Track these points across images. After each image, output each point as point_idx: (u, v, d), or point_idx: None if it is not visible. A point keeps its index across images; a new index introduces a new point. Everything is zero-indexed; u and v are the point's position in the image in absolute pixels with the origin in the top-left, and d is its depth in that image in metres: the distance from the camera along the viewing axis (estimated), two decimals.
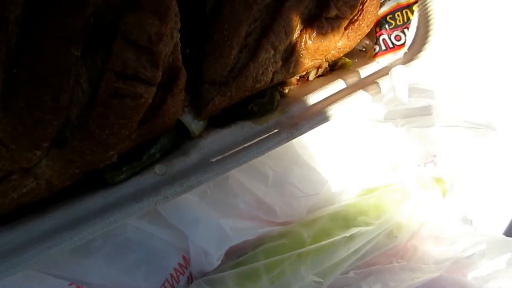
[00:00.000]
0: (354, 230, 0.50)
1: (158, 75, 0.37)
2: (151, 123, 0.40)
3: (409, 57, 0.53)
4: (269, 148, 0.45)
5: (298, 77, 0.53)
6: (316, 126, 0.47)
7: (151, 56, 0.36)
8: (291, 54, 0.47)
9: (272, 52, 0.44)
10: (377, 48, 0.54)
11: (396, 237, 0.53)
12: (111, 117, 0.36)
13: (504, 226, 0.61)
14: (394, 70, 0.46)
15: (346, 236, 0.49)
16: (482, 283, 0.51)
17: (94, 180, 0.41)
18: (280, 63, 0.46)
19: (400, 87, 0.44)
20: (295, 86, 0.53)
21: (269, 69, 0.45)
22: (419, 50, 0.53)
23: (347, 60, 0.54)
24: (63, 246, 0.37)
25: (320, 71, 0.53)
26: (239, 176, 0.49)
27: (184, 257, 0.48)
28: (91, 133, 0.36)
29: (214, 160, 0.44)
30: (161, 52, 0.37)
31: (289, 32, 0.44)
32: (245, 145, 0.45)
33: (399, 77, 0.44)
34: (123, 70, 0.35)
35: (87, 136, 0.36)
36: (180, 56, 0.40)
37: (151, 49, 0.36)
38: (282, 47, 0.45)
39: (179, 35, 0.39)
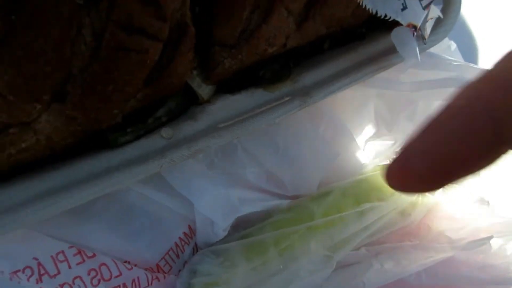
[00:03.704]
0: (366, 205, 0.48)
1: (165, 29, 0.36)
2: (157, 82, 0.38)
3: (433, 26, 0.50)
4: (280, 116, 0.43)
5: (312, 46, 0.51)
6: (330, 95, 0.45)
7: (157, 9, 0.34)
8: (305, 18, 0.44)
9: (286, 15, 0.42)
10: None
11: (410, 215, 0.51)
12: (115, 72, 0.35)
13: None
14: (395, 31, 0.44)
15: (358, 211, 0.47)
16: (498, 265, 0.49)
17: (98, 141, 0.40)
18: (294, 28, 0.44)
19: (404, 47, 0.42)
20: (309, 55, 0.51)
21: (282, 33, 0.43)
22: (438, 22, 0.50)
23: (364, 30, 0.51)
24: (62, 205, 0.36)
25: (335, 40, 0.51)
26: (248, 146, 0.48)
27: (189, 227, 0.47)
28: (93, 88, 0.35)
29: (223, 125, 0.43)
30: (169, 5, 0.35)
31: None
32: (255, 112, 0.44)
33: (402, 37, 0.42)
34: (128, 22, 0.34)
35: (90, 91, 0.35)
36: (189, 12, 0.38)
37: (157, 1, 0.34)
38: (296, 10, 0.43)
39: None
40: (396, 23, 0.52)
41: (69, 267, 0.38)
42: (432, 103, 0.49)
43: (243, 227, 0.48)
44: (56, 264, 0.38)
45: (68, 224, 0.41)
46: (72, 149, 0.38)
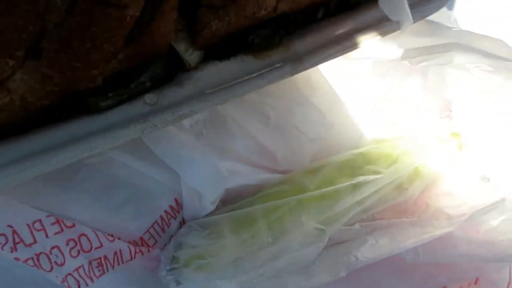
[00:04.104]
0: (360, 178, 0.46)
1: None
2: (139, 42, 0.36)
3: None
4: (270, 81, 0.41)
5: (304, 14, 0.49)
6: (323, 62, 0.43)
7: None
8: None
9: None
10: None
11: (407, 189, 0.49)
12: (93, 28, 0.33)
13: None
14: None
15: (352, 183, 0.45)
16: (499, 242, 0.47)
17: (77, 106, 0.38)
18: None
19: (394, 10, 0.40)
20: (300, 25, 0.49)
21: None
22: None
23: None
24: (40, 169, 0.34)
25: (329, 8, 0.49)
26: (237, 117, 0.46)
27: (176, 200, 0.45)
28: (70, 45, 0.33)
29: (210, 91, 0.41)
30: None
31: None
32: (244, 78, 0.42)
33: (391, 4, 0.40)
34: None
35: (66, 47, 0.33)
36: None
37: None
38: None
39: None
40: None
41: (46, 236, 0.37)
42: (430, 70, 0.47)
43: (232, 202, 0.46)
44: (32, 233, 0.36)
45: (48, 193, 0.39)
46: (50, 112, 0.36)
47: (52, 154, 0.34)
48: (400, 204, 0.50)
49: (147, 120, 0.37)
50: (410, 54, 0.45)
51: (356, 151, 0.50)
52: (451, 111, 0.56)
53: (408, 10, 0.40)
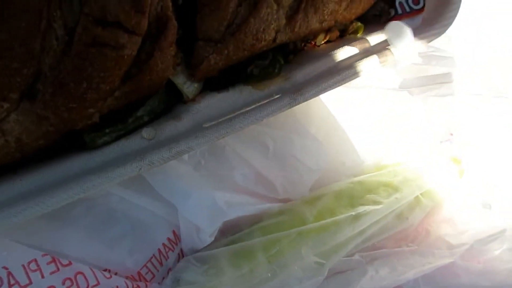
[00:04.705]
0: (360, 209, 0.45)
1: (143, 23, 0.33)
2: (137, 79, 0.36)
3: (428, 23, 0.48)
4: (269, 114, 0.41)
5: (304, 42, 0.48)
6: (322, 93, 0.43)
7: (135, 1, 0.32)
8: (296, 11, 0.42)
9: (275, 7, 0.40)
10: (393, 12, 0.49)
11: (407, 218, 0.48)
12: (89, 69, 0.32)
13: None
14: (389, 25, 0.42)
15: (351, 214, 0.45)
16: (500, 271, 0.47)
17: (74, 142, 0.37)
18: (284, 21, 0.42)
19: (399, 42, 0.39)
20: (300, 52, 0.48)
21: (272, 26, 0.41)
22: (439, 15, 0.48)
23: (359, 24, 0.49)
24: (34, 211, 0.33)
25: (329, 36, 0.49)
26: (236, 146, 0.45)
27: (174, 232, 0.44)
28: (66, 86, 0.32)
29: (208, 125, 0.40)
30: None
31: None
32: (243, 110, 0.41)
33: (396, 33, 0.40)
34: (102, 15, 0.31)
35: (62, 89, 0.32)
36: (170, 4, 0.35)
37: None
38: (286, 3, 0.41)
39: None
40: (392, 17, 0.49)
41: (42, 276, 0.36)
42: (428, 100, 0.47)
43: (231, 232, 0.46)
44: (27, 274, 0.36)
45: (43, 231, 0.38)
46: (46, 150, 0.36)
47: (48, 195, 0.34)
48: (400, 231, 0.49)
49: (144, 158, 0.37)
50: (410, 84, 0.45)
51: (355, 179, 0.49)
52: (452, 134, 0.55)
53: (414, 44, 0.40)
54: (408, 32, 0.39)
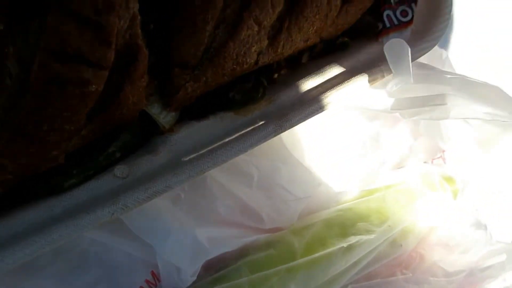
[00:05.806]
0: (353, 240, 0.43)
1: (109, 55, 0.29)
2: (105, 116, 0.32)
3: (417, 36, 0.45)
4: (254, 144, 0.38)
5: (288, 60, 0.45)
6: (309, 118, 0.40)
7: (99, 31, 0.28)
8: (279, 31, 0.39)
9: (256, 28, 0.37)
10: (381, 26, 0.46)
11: (401, 245, 0.46)
12: (50, 109, 0.29)
13: None
14: (389, 44, 0.39)
15: (343, 246, 0.42)
16: None
17: (39, 187, 0.33)
18: (266, 42, 0.38)
19: (397, 62, 0.36)
20: (284, 71, 0.45)
21: (253, 49, 0.37)
22: (429, 27, 0.45)
23: (346, 39, 0.46)
24: None
25: (315, 52, 0.46)
26: (218, 176, 0.42)
27: (153, 273, 0.41)
28: (23, 131, 0.28)
29: (187, 159, 0.37)
30: (113, 26, 0.29)
31: (276, 4, 0.36)
32: (225, 140, 0.38)
33: (396, 52, 0.37)
34: (62, 48, 0.28)
35: (18, 134, 0.29)
36: (140, 32, 0.32)
37: (99, 22, 0.28)
38: (268, 23, 0.37)
39: (137, 5, 0.30)
40: (379, 31, 0.47)
41: None
42: (420, 122, 0.44)
43: (215, 268, 0.43)
44: None
45: (9, 282, 0.34)
46: (8, 198, 0.32)
47: (8, 252, 0.30)
48: (394, 258, 0.47)
49: (117, 201, 0.33)
50: (401, 105, 0.42)
51: (345, 205, 0.46)
52: (444, 151, 0.53)
53: (411, 66, 0.37)
54: (407, 52, 0.37)
